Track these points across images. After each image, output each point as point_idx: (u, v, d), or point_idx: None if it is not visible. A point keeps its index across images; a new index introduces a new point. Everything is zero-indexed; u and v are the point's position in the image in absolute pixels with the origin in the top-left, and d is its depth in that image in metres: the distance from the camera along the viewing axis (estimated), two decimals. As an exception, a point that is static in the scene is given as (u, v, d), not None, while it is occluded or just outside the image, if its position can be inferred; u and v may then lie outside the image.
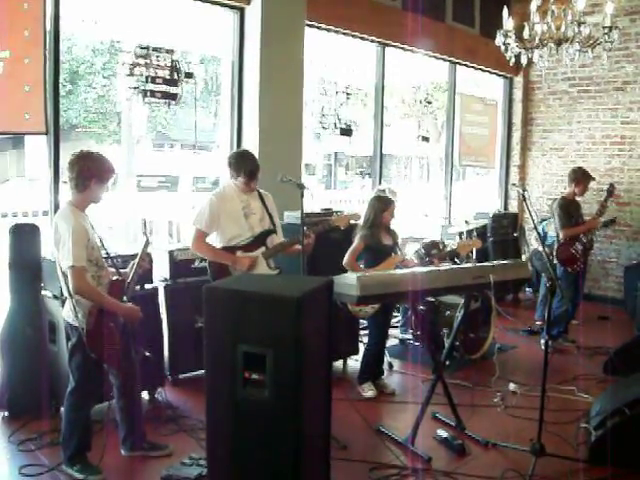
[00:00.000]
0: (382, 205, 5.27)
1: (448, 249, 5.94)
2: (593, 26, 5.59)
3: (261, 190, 4.76)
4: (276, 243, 4.67)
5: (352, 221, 5.12)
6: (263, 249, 4.62)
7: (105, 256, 3.77)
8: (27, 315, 4.54)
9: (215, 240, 4.62)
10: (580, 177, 6.57)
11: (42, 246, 4.62)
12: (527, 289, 8.94)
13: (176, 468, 3.77)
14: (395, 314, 6.56)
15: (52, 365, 4.47)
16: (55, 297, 4.49)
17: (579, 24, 5.24)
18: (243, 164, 4.60)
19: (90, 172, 3.57)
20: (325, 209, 6.03)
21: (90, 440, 3.74)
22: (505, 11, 5.54)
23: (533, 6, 5.47)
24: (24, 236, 4.57)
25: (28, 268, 4.55)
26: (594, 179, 6.81)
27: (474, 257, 6.98)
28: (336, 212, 5.72)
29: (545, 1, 5.47)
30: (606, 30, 5.30)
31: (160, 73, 5.31)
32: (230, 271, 4.49)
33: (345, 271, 4.87)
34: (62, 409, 3.84)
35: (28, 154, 16.04)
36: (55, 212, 4.80)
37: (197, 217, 4.58)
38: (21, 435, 4.18)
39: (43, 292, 4.63)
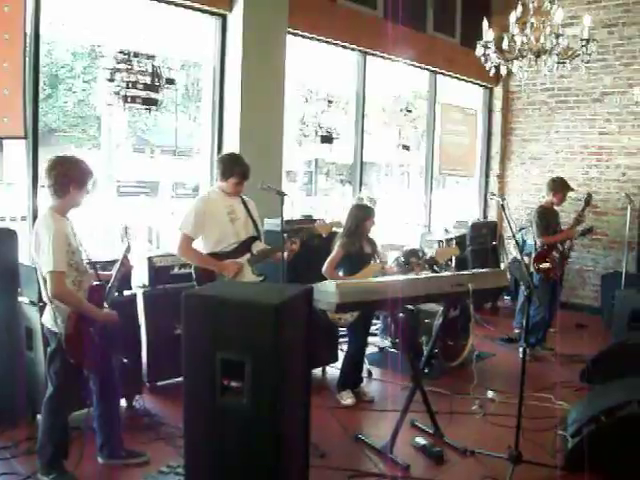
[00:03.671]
0: (363, 214, 5.29)
1: (427, 257, 5.97)
2: (571, 38, 5.66)
3: (244, 196, 4.76)
4: (261, 249, 4.67)
5: (334, 228, 5.14)
6: (248, 255, 4.62)
7: (87, 261, 3.75)
8: (3, 321, 4.47)
9: (200, 245, 4.60)
10: (559, 187, 6.66)
11: (19, 251, 4.57)
12: (506, 297, 9.00)
13: (154, 476, 3.75)
14: (374, 321, 6.57)
15: (29, 371, 4.42)
16: (32, 303, 4.43)
17: (557, 36, 5.30)
18: (236, 165, 4.62)
19: (68, 177, 3.55)
20: (305, 216, 6.04)
21: (67, 447, 3.70)
22: (485, 22, 5.59)
23: (512, 18, 5.52)
24: (1, 241, 4.50)
25: (5, 274, 4.49)
26: (573, 189, 6.89)
27: (453, 265, 7.01)
28: (317, 220, 5.72)
29: (524, 13, 5.52)
30: (584, 42, 5.38)
31: (141, 79, 5.30)
32: (216, 277, 4.47)
33: (325, 279, 4.88)
34: (39, 416, 3.80)
35: (6, 158, 15.87)
36: (33, 217, 4.78)
37: (183, 222, 4.55)
38: (-4, 443, 4.14)
39: (20, 298, 4.57)
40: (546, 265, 6.47)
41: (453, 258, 7.02)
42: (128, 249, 3.91)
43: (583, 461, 3.86)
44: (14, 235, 4.56)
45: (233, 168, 4.60)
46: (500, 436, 4.46)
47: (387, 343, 6.52)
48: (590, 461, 3.84)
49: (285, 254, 4.46)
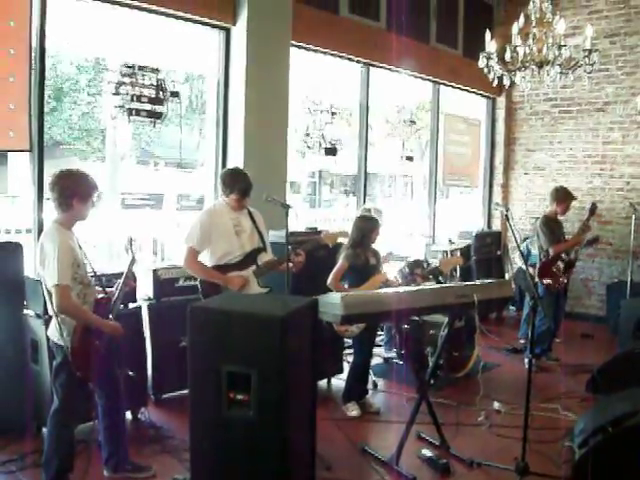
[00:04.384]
0: (369, 225, 5.28)
1: (431, 267, 5.97)
2: (574, 48, 5.67)
3: (251, 208, 4.77)
4: (266, 261, 4.68)
5: (340, 239, 5.15)
6: (254, 267, 4.63)
7: (91, 274, 3.76)
8: (9, 334, 4.49)
9: (206, 258, 4.61)
10: (562, 196, 6.65)
11: (25, 264, 4.58)
12: (511, 307, 8.98)
13: (159, 489, 3.73)
14: (379, 333, 6.56)
15: (34, 384, 4.42)
16: (38, 316, 4.43)
17: (560, 47, 5.32)
18: (237, 182, 4.63)
19: (71, 191, 3.57)
20: (310, 228, 6.05)
21: (73, 461, 3.69)
22: (488, 34, 5.62)
23: (515, 29, 5.54)
24: (7, 254, 4.52)
25: (10, 286, 4.50)
26: (576, 198, 6.89)
27: (458, 275, 7.01)
28: (322, 231, 5.72)
29: (527, 24, 5.54)
30: (586, 52, 5.39)
31: (145, 92, 5.31)
32: (222, 289, 4.48)
33: (330, 290, 4.88)
34: (45, 429, 3.80)
35: (10, 171, 15.94)
36: (39, 230, 4.79)
37: (188, 235, 4.58)
38: (2, 456, 4.11)
39: (26, 311, 4.58)
40: (548, 281, 6.46)
41: (457, 268, 7.03)
42: (133, 261, 3.91)
43: (590, 472, 3.83)
44: (19, 248, 4.58)
45: (234, 185, 4.62)
46: (506, 447, 4.45)
47: (392, 354, 6.51)
48: (597, 472, 3.82)
49: (291, 265, 4.48)
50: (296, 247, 4.66)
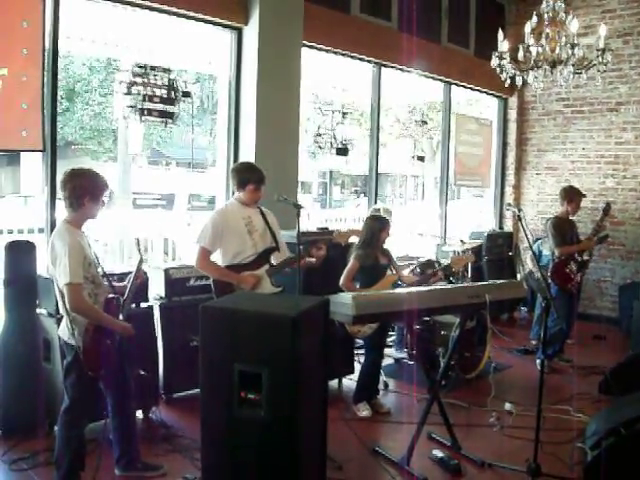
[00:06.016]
0: (379, 225, 5.28)
1: (443, 265, 5.94)
2: (587, 48, 5.64)
3: (263, 208, 4.78)
4: (281, 260, 4.69)
5: (353, 237, 5.15)
6: (267, 266, 4.64)
7: (102, 274, 3.76)
8: (22, 333, 4.51)
9: (219, 257, 4.62)
10: (571, 195, 6.60)
11: (38, 263, 4.61)
12: (522, 308, 8.94)
13: (170, 488, 3.74)
14: (390, 333, 6.55)
15: (46, 383, 4.44)
16: (50, 315, 4.46)
17: (573, 46, 5.29)
18: (251, 172, 4.68)
19: (82, 190, 3.57)
20: (321, 228, 6.04)
21: (84, 459, 3.70)
22: (500, 33, 5.60)
23: (528, 28, 5.52)
24: (20, 253, 4.56)
25: (23, 285, 4.53)
26: (585, 196, 6.84)
27: (469, 275, 6.99)
28: (332, 231, 5.72)
29: (539, 23, 5.52)
30: (599, 52, 5.36)
31: (157, 92, 5.33)
32: (235, 289, 4.49)
33: (342, 290, 4.87)
34: (56, 427, 3.81)
35: (23, 171, 16.06)
36: (51, 229, 4.80)
37: (200, 235, 4.59)
38: (14, 454, 4.14)
39: (38, 310, 4.61)
40: (568, 284, 6.42)
41: (469, 269, 7.00)
42: (141, 262, 3.93)
43: (603, 474, 3.81)
44: (32, 247, 4.61)
45: (249, 177, 4.64)
46: (518, 449, 4.42)
47: (403, 355, 6.49)
48: (610, 474, 3.79)
49: (313, 260, 4.55)
50: (316, 242, 4.68)
